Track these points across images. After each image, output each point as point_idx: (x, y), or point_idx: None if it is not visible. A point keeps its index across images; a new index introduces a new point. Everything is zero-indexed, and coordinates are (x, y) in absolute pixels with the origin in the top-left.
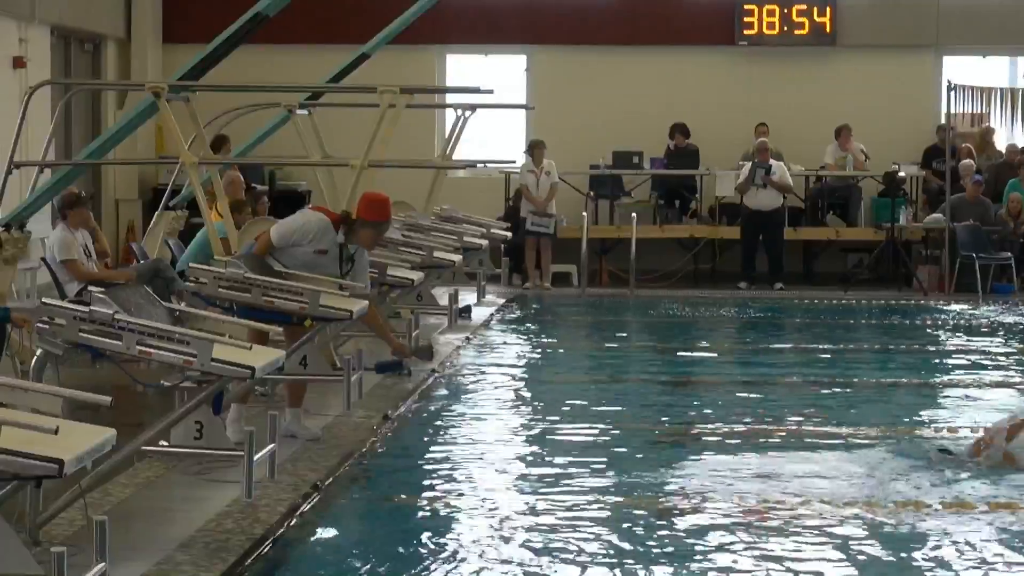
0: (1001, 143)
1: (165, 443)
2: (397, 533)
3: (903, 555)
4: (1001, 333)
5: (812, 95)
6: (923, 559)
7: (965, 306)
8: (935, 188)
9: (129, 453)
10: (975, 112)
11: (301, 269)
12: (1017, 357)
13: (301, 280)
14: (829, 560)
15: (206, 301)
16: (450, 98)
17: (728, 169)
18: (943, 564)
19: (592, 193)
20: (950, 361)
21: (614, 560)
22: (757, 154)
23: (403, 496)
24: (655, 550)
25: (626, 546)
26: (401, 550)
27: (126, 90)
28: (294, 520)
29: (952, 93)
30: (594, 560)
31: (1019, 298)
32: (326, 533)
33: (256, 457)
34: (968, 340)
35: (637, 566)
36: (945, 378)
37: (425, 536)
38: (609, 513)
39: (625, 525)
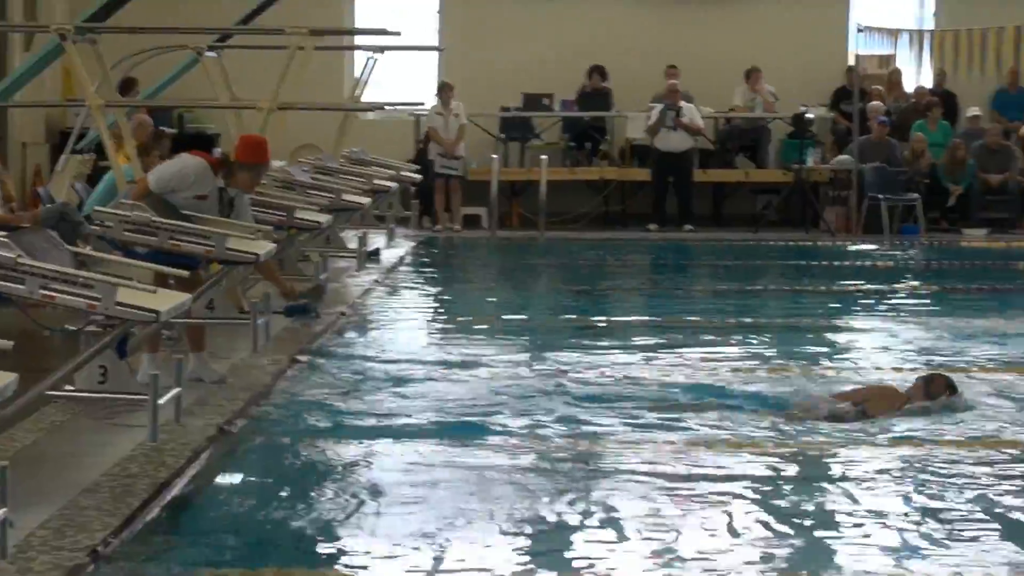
0: (909, 85)
1: (70, 388)
2: (303, 477)
3: (804, 492)
4: (906, 273)
5: (722, 37)
6: (824, 498)
7: (872, 246)
8: (843, 130)
9: (32, 398)
10: (883, 54)
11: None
12: (921, 297)
13: (208, 223)
14: (733, 500)
15: (112, 245)
16: (359, 40)
17: (638, 111)
18: (847, 499)
19: (503, 135)
20: (856, 301)
21: (528, 502)
22: (667, 96)
23: (310, 439)
24: (571, 494)
25: (540, 490)
26: (307, 494)
27: (32, 32)
28: (200, 464)
29: (860, 35)
30: (508, 503)
31: (925, 239)
32: (232, 477)
33: (161, 401)
34: (874, 280)
35: (551, 508)
36: (850, 318)
37: (332, 480)
38: (522, 456)
39: (540, 467)
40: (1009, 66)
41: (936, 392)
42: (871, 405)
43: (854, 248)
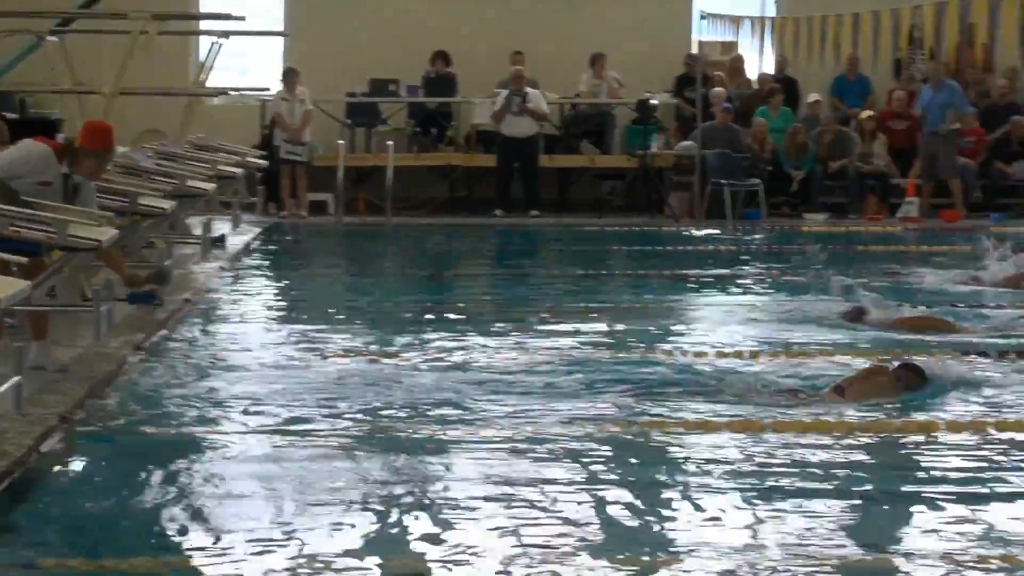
0: (752, 71)
1: None
2: (146, 466)
3: (647, 472)
4: (747, 257)
5: (567, 23)
6: (668, 475)
7: (714, 231)
8: (687, 116)
9: None
10: (726, 40)
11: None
12: (761, 279)
13: (50, 210)
14: (575, 480)
15: None
16: (204, 25)
17: (484, 97)
18: (687, 479)
19: (349, 121)
20: (698, 285)
21: (374, 489)
22: (512, 82)
23: (153, 428)
24: (417, 481)
25: (385, 478)
26: (150, 483)
27: None
28: (41, 454)
29: (704, 22)
30: (353, 491)
31: (766, 224)
32: (73, 466)
33: (1, 389)
34: (717, 265)
35: (399, 496)
36: (692, 301)
37: (175, 469)
38: (367, 444)
39: (386, 455)
40: (848, 53)
41: (910, 383)
42: (849, 388)
43: (697, 233)
